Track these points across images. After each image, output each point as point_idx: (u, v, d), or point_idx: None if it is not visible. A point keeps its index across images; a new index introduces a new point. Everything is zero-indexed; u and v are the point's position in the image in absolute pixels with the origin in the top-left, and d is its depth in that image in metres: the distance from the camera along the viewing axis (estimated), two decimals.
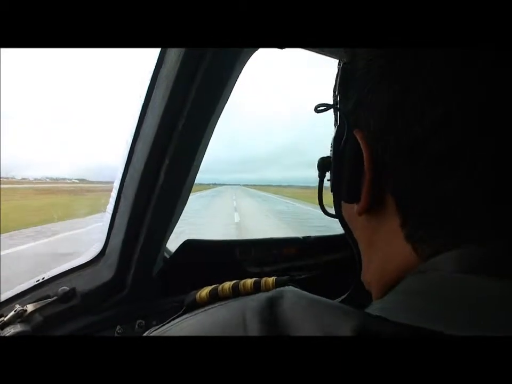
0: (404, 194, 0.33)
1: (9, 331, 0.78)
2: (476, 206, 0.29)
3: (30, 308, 0.83)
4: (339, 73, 0.39)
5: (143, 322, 0.97)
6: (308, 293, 0.30)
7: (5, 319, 0.80)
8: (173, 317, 0.36)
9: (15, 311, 0.81)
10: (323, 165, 0.43)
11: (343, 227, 0.46)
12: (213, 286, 0.37)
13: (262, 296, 0.30)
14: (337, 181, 0.40)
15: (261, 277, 1.16)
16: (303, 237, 1.25)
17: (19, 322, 0.81)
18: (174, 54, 0.70)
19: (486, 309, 0.25)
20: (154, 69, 0.76)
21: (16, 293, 0.89)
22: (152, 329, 0.36)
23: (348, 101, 0.38)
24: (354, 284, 0.74)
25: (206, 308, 0.34)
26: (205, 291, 0.37)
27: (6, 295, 0.89)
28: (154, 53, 0.74)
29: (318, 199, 0.45)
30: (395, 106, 0.32)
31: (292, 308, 0.27)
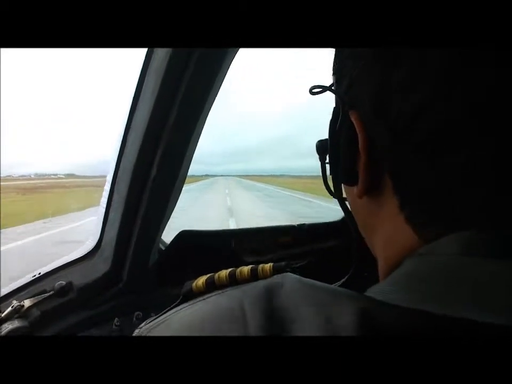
0: (400, 175, 0.32)
1: (7, 327, 0.78)
2: (475, 185, 0.28)
3: (27, 303, 0.84)
4: (335, 53, 0.39)
5: (141, 314, 0.98)
6: (307, 279, 0.29)
7: (3, 315, 0.80)
8: (170, 307, 0.36)
9: (12, 307, 0.81)
10: (321, 147, 0.43)
11: (343, 210, 0.46)
12: (209, 275, 0.37)
13: (260, 283, 0.30)
14: (334, 164, 0.40)
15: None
16: (298, 225, 1.25)
17: (17, 318, 0.81)
18: (162, 49, 0.70)
19: (487, 290, 0.25)
20: (144, 62, 0.75)
21: (13, 288, 0.89)
22: (149, 320, 0.36)
23: (342, 82, 0.37)
24: (352, 269, 0.74)
25: (204, 297, 0.34)
26: (201, 280, 0.37)
27: (3, 291, 0.89)
28: (143, 48, 0.74)
29: (323, 181, 0.45)
30: (386, 83, 0.31)
31: (291, 294, 0.27)
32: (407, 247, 0.32)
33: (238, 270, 0.37)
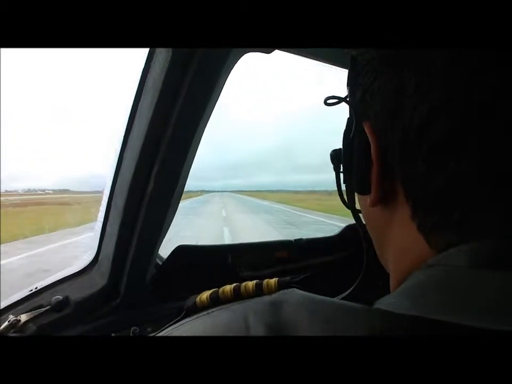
0: (412, 183, 0.33)
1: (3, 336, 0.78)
2: (485, 195, 0.29)
3: (23, 317, 0.83)
4: (349, 65, 0.39)
5: (138, 329, 0.97)
6: (312, 295, 0.29)
7: None
8: (173, 321, 0.36)
9: (8, 322, 0.81)
10: (335, 157, 0.43)
11: (356, 221, 0.46)
12: (213, 290, 0.37)
13: (266, 298, 0.30)
14: (348, 173, 0.40)
15: (253, 280, 1.17)
16: (295, 240, 1.25)
17: (13, 333, 0.81)
18: (161, 59, 0.71)
19: (494, 302, 0.25)
20: (141, 76, 0.76)
21: (9, 303, 0.88)
22: (153, 333, 0.36)
23: (356, 92, 0.38)
24: (358, 280, 0.74)
25: (207, 312, 0.33)
26: (205, 295, 0.37)
27: None
28: (140, 59, 0.75)
29: (338, 192, 0.45)
30: (397, 93, 0.32)
31: (296, 310, 0.27)
32: (419, 257, 0.32)
33: (243, 285, 0.37)
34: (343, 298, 0.79)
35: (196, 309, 0.36)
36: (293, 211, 24.33)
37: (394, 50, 0.33)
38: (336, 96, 0.42)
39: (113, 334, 0.94)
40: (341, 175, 0.43)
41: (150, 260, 0.99)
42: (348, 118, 0.40)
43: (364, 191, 0.37)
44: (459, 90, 0.29)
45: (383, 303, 0.29)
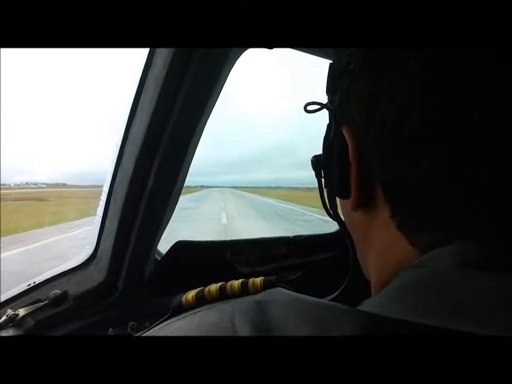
0: (389, 184, 0.33)
1: (1, 335, 0.78)
2: (458, 194, 0.29)
3: (21, 312, 0.83)
4: (328, 72, 0.40)
5: (135, 324, 0.97)
6: (299, 294, 0.29)
7: None
8: (159, 321, 0.36)
9: (6, 316, 0.81)
10: (316, 162, 0.43)
11: (338, 224, 0.47)
12: (199, 289, 0.37)
13: (251, 298, 0.30)
14: (328, 177, 0.41)
15: (253, 276, 1.17)
16: (294, 236, 1.25)
17: (11, 327, 0.81)
18: (162, 56, 0.71)
19: (480, 303, 0.25)
20: (143, 71, 0.76)
21: (7, 297, 0.88)
22: (140, 333, 0.36)
23: (334, 98, 0.38)
24: (346, 281, 0.74)
25: (193, 311, 0.33)
26: (190, 294, 0.37)
27: None
28: (142, 55, 0.74)
29: (320, 196, 0.46)
30: (371, 95, 0.32)
31: (283, 309, 0.27)
32: (402, 257, 0.32)
33: (229, 284, 0.37)
34: (334, 298, 0.79)
35: (181, 309, 0.36)
36: (314, 214, 18.65)
37: (369, 54, 0.33)
38: (317, 102, 0.42)
39: (111, 329, 0.94)
40: (323, 180, 0.44)
41: (148, 255, 0.99)
42: (328, 124, 0.40)
43: (344, 195, 0.38)
44: (430, 90, 0.29)
45: (370, 305, 0.29)
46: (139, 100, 0.79)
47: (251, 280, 0.37)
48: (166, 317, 0.36)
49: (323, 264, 1.21)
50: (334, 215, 0.46)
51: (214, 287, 0.37)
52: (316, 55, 0.84)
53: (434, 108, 0.29)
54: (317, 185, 0.45)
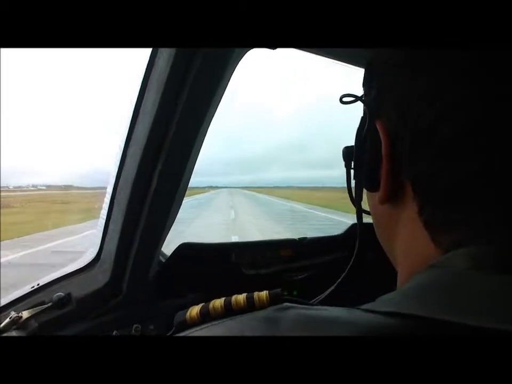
0: (420, 181, 0.33)
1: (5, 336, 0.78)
2: (491, 196, 0.29)
3: (25, 314, 0.83)
4: (365, 65, 0.41)
5: (139, 326, 0.97)
6: (307, 310, 0.29)
7: (0, 326, 0.79)
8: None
9: (10, 318, 0.81)
10: (347, 154, 0.45)
11: (357, 218, 0.49)
12: (203, 304, 0.36)
13: (259, 314, 0.30)
14: (358, 170, 0.42)
15: (257, 278, 1.17)
16: (299, 238, 1.25)
17: (14, 329, 0.81)
18: (164, 56, 0.70)
19: (498, 305, 0.25)
20: (145, 72, 0.76)
21: (11, 299, 0.88)
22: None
23: (370, 92, 0.39)
24: (345, 274, 0.73)
25: (199, 327, 0.33)
26: (195, 310, 0.36)
27: (1, 302, 0.88)
28: (144, 56, 0.74)
29: (347, 188, 0.47)
30: (409, 94, 0.33)
31: (294, 329, 0.27)
32: (423, 256, 0.33)
33: (233, 298, 0.36)
34: (328, 296, 0.79)
35: (185, 325, 0.35)
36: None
37: (410, 54, 0.34)
38: (352, 95, 0.43)
39: (115, 332, 0.94)
40: (351, 172, 0.45)
41: (153, 257, 0.98)
42: (362, 117, 0.41)
43: (373, 188, 0.39)
44: (469, 93, 0.29)
45: (385, 301, 0.30)
46: (141, 101, 0.78)
47: (256, 294, 0.36)
48: (170, 333, 0.36)
49: (328, 266, 1.20)
50: (357, 209, 0.47)
51: (218, 302, 0.36)
52: (319, 55, 0.84)
53: (472, 114, 0.29)
54: (346, 179, 0.47)
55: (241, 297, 0.36)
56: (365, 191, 0.43)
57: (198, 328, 0.33)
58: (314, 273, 1.19)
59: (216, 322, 0.33)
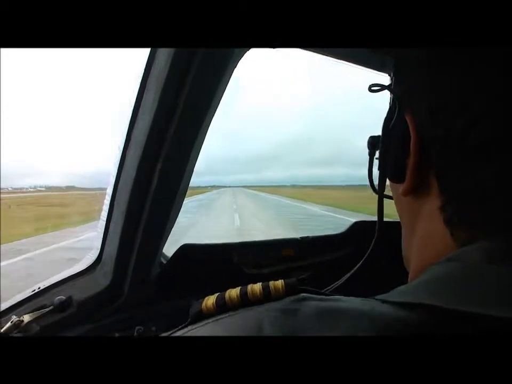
0: (447, 179, 0.34)
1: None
2: (507, 196, 0.30)
3: (26, 318, 0.83)
4: (397, 55, 0.41)
5: (142, 328, 0.96)
6: (325, 302, 0.30)
7: (2, 330, 0.79)
8: (177, 328, 0.35)
9: (11, 322, 0.80)
10: (372, 143, 0.45)
11: (378, 208, 0.49)
12: (218, 294, 0.36)
13: (277, 305, 0.31)
14: (384, 160, 0.42)
15: (259, 279, 1.16)
16: (301, 237, 1.24)
17: (16, 333, 0.80)
18: (163, 57, 0.70)
19: (506, 295, 0.26)
20: (144, 73, 0.75)
21: (12, 303, 0.88)
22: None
23: (401, 84, 0.39)
24: (359, 265, 0.73)
25: (215, 318, 0.33)
26: (210, 300, 0.36)
27: (2, 306, 0.88)
28: (143, 56, 0.73)
29: (368, 177, 0.48)
30: (444, 91, 0.33)
31: (313, 321, 0.28)
32: (440, 250, 0.33)
33: (249, 288, 0.36)
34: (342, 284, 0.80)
35: (202, 315, 0.35)
36: None
37: (448, 52, 0.33)
38: (380, 84, 0.43)
39: (117, 334, 0.93)
40: (375, 161, 0.45)
41: (154, 259, 0.98)
42: (390, 107, 0.41)
43: (398, 180, 0.39)
44: (506, 93, 0.29)
45: (401, 292, 0.30)
46: (141, 101, 0.78)
47: (271, 283, 0.36)
48: (185, 324, 0.36)
49: (330, 265, 1.20)
50: (379, 199, 0.47)
51: (234, 292, 0.36)
52: (320, 53, 0.83)
53: (506, 117, 0.29)
54: (367, 168, 0.48)
55: (256, 287, 0.36)
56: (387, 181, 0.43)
57: (214, 318, 0.33)
58: (317, 272, 1.19)
59: (233, 313, 0.33)
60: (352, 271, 0.73)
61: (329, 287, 0.80)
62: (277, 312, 0.29)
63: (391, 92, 0.42)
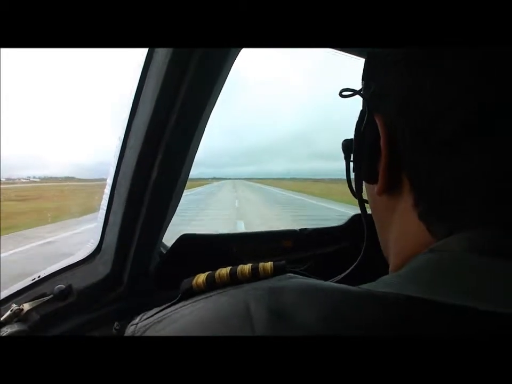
0: (417, 174, 0.34)
1: (6, 331, 0.78)
2: (486, 189, 0.30)
3: (26, 306, 0.83)
4: (366, 60, 0.41)
5: None
6: (310, 279, 0.31)
7: (2, 318, 0.79)
8: (168, 304, 0.36)
9: (11, 311, 0.80)
10: (346, 147, 0.45)
11: (361, 210, 0.50)
12: (209, 272, 0.37)
13: (264, 284, 0.32)
14: (358, 163, 0.43)
15: None
16: (300, 229, 1.24)
17: (16, 321, 0.81)
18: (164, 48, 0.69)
19: (488, 285, 0.26)
20: (145, 63, 0.75)
21: (12, 292, 0.88)
22: (145, 315, 0.36)
23: (370, 86, 0.40)
24: (357, 262, 0.73)
25: (205, 295, 0.34)
26: (201, 278, 0.37)
27: (2, 294, 0.88)
28: (143, 48, 0.73)
29: (347, 181, 0.48)
30: (410, 91, 0.33)
31: (298, 297, 0.28)
32: (418, 242, 0.34)
33: (239, 268, 0.37)
34: (341, 280, 0.80)
35: (192, 292, 0.36)
36: None
37: (409, 50, 0.34)
38: (351, 89, 0.43)
39: (116, 323, 0.94)
40: (351, 164, 0.45)
41: (153, 249, 0.99)
42: (361, 110, 0.41)
43: (371, 180, 0.40)
44: (472, 90, 0.30)
45: (385, 283, 0.30)
46: (141, 91, 0.78)
47: (261, 264, 0.37)
48: (176, 300, 0.36)
49: (329, 257, 1.20)
50: (358, 200, 0.48)
51: (224, 271, 0.37)
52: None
53: (474, 112, 0.30)
54: (345, 171, 0.47)
55: (246, 268, 0.37)
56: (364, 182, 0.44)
57: (204, 296, 0.34)
58: (315, 264, 1.19)
59: (221, 290, 0.34)
60: (347, 272, 0.73)
61: (333, 278, 0.80)
62: (263, 290, 0.29)
63: (361, 96, 0.42)
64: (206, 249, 1.15)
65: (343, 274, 0.80)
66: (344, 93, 0.43)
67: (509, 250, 0.28)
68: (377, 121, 0.37)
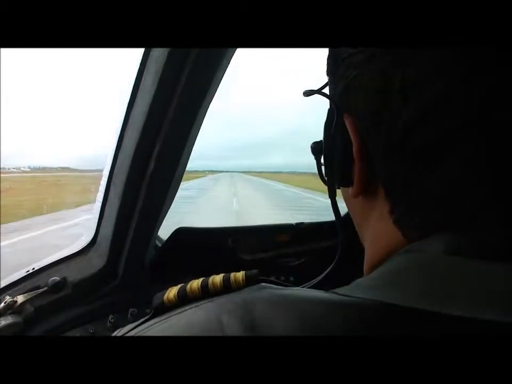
0: (391, 182, 0.32)
1: (0, 323, 0.77)
2: (462, 196, 0.29)
3: (20, 299, 0.82)
4: (328, 56, 0.38)
5: (136, 310, 0.97)
6: (282, 290, 0.30)
7: None
8: (140, 321, 0.35)
9: (5, 303, 0.80)
10: (316, 150, 0.42)
11: (334, 210, 0.47)
12: (180, 286, 0.36)
13: (237, 296, 0.31)
14: (329, 166, 0.40)
15: (254, 264, 1.17)
16: (296, 223, 1.24)
17: (10, 314, 0.80)
18: None
19: (467, 287, 0.25)
20: (143, 56, 0.74)
21: (5, 284, 0.87)
22: (119, 332, 0.35)
23: (337, 84, 0.36)
24: (334, 263, 0.73)
25: (177, 311, 0.33)
26: (172, 292, 0.36)
27: None
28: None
29: (322, 181, 0.44)
30: (382, 92, 0.30)
31: (270, 309, 0.27)
32: (393, 244, 0.33)
33: (210, 280, 0.36)
34: (317, 283, 0.80)
35: (164, 308, 0.35)
36: None
37: (379, 48, 0.31)
38: (313, 90, 0.41)
39: (111, 316, 0.94)
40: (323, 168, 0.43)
41: (149, 242, 0.98)
42: (329, 109, 0.38)
43: (345, 185, 0.38)
44: (448, 93, 0.27)
45: (361, 286, 0.30)
46: (140, 83, 0.77)
47: (232, 275, 0.36)
48: (148, 316, 0.35)
49: (325, 251, 1.21)
50: (332, 202, 0.46)
51: (195, 283, 0.36)
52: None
53: (449, 116, 0.28)
54: (318, 174, 0.44)
55: (218, 279, 0.36)
56: None
57: (176, 312, 0.33)
58: (311, 259, 1.19)
59: (194, 305, 0.32)
60: (324, 274, 0.73)
61: (304, 285, 0.80)
62: (235, 304, 0.29)
63: (326, 97, 0.39)
64: (201, 243, 1.14)
65: (321, 276, 0.80)
66: (306, 93, 0.41)
67: (487, 253, 0.27)
68: (347, 124, 0.35)
